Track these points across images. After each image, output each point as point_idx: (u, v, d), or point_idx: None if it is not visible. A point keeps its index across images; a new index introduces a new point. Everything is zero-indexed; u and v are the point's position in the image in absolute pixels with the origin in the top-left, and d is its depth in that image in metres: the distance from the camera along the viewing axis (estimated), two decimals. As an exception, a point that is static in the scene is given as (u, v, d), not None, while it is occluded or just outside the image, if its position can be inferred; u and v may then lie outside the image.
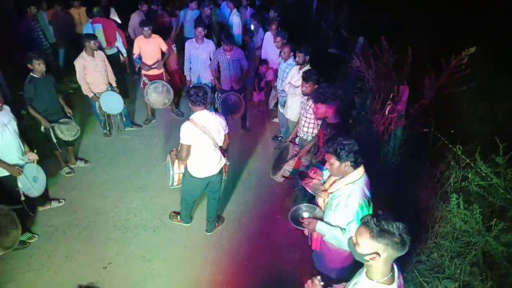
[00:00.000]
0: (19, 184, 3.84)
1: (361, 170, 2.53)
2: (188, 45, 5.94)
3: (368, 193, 2.52)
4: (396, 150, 4.26)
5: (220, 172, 3.90)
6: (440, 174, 3.64)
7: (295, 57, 4.93)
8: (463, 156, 3.25)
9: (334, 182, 2.68)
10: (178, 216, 4.41)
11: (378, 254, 1.75)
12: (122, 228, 4.34)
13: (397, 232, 1.71)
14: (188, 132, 3.44)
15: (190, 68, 6.10)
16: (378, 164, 4.28)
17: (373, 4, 7.41)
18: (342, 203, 2.54)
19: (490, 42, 5.21)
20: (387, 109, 4.01)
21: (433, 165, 3.79)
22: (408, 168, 4.04)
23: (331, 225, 2.64)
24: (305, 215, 2.85)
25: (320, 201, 2.80)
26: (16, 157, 3.87)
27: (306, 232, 3.03)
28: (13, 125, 3.82)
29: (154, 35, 5.93)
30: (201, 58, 5.93)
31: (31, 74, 4.43)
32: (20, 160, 3.92)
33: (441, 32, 5.07)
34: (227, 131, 3.70)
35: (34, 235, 4.14)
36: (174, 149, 3.83)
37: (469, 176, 3.21)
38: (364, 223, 1.81)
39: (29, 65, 4.38)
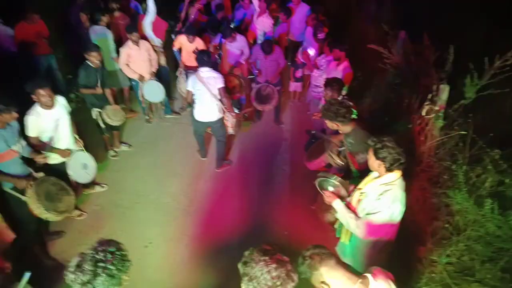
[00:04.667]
0: (69, 172, 4.08)
1: (397, 173, 2.57)
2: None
3: (402, 197, 2.58)
4: (432, 151, 4.23)
5: (219, 122, 5.00)
6: (477, 177, 3.60)
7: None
8: (500, 161, 3.21)
9: (368, 182, 2.75)
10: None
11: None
12: (161, 211, 4.64)
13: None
14: (190, 80, 4.87)
15: None
16: (412, 164, 4.26)
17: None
18: (373, 198, 2.61)
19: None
20: (425, 110, 3.97)
21: (470, 167, 3.74)
22: (444, 170, 4.01)
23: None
24: (330, 189, 3.08)
25: (354, 200, 2.87)
26: (67, 146, 4.05)
27: (336, 225, 3.21)
28: (65, 118, 3.96)
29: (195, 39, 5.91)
30: (236, 55, 6.08)
31: (87, 61, 4.62)
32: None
33: (488, 29, 4.86)
34: (220, 85, 4.70)
35: (83, 213, 4.51)
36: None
37: (506, 181, 3.18)
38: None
39: (87, 56, 4.55)
